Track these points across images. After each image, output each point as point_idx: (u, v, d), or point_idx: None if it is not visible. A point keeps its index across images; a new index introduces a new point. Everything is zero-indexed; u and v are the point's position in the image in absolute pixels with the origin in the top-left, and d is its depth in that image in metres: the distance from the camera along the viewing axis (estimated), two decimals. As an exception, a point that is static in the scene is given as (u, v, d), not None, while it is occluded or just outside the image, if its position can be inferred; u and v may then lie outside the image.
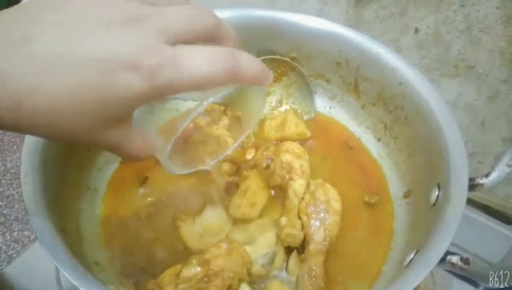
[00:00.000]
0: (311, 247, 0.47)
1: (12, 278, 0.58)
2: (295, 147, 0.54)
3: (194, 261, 0.42)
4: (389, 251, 0.48)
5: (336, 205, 0.49)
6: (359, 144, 0.60)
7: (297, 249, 0.48)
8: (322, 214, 0.48)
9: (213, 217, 0.50)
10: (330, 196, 0.49)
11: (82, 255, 0.42)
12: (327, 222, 0.48)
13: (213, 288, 0.41)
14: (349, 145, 0.59)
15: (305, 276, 0.45)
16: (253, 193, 0.50)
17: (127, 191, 0.54)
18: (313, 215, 0.48)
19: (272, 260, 0.47)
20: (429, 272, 0.37)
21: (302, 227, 0.48)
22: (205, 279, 0.42)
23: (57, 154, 0.46)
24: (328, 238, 0.47)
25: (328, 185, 0.51)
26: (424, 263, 0.37)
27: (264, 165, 0.54)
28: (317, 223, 0.48)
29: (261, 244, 0.46)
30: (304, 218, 0.48)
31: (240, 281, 0.44)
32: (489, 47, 0.60)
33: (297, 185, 0.50)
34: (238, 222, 0.49)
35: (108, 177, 0.55)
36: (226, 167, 0.55)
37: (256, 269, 0.45)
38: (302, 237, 0.47)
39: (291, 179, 0.51)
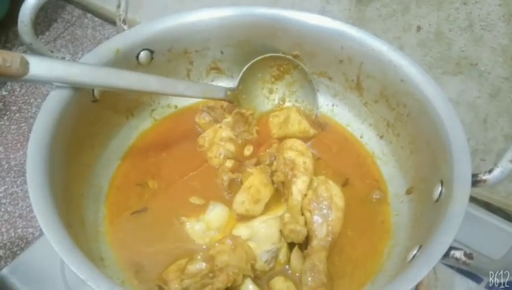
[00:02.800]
0: (314, 243, 0.47)
1: (16, 275, 0.59)
2: (298, 144, 0.54)
3: (199, 257, 0.43)
4: (391, 247, 0.48)
5: (339, 201, 0.49)
6: (362, 141, 0.60)
7: (299, 245, 0.48)
8: (324, 211, 0.49)
9: (216, 214, 0.50)
10: (333, 193, 0.50)
11: (87, 251, 0.42)
12: (330, 218, 0.48)
13: (218, 283, 0.41)
14: (352, 143, 0.60)
15: (308, 272, 0.45)
16: (257, 189, 0.50)
17: (130, 187, 0.54)
18: (316, 212, 0.48)
19: (275, 256, 0.47)
20: (432, 267, 0.37)
21: (305, 223, 0.48)
22: (210, 275, 0.42)
23: (62, 151, 0.47)
24: (330, 234, 0.47)
25: (330, 182, 0.51)
26: (427, 258, 0.38)
27: (268, 162, 0.54)
28: (320, 219, 0.48)
29: (264, 241, 0.47)
30: (307, 214, 0.49)
31: (244, 276, 0.44)
32: (492, 44, 0.60)
33: (300, 182, 0.50)
34: (242, 218, 0.49)
35: (112, 174, 0.55)
36: (229, 164, 0.55)
37: (259, 264, 0.46)
38: (306, 233, 0.47)
39: (294, 176, 0.51)
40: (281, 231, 0.48)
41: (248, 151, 0.58)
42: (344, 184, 0.55)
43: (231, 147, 0.56)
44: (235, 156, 0.56)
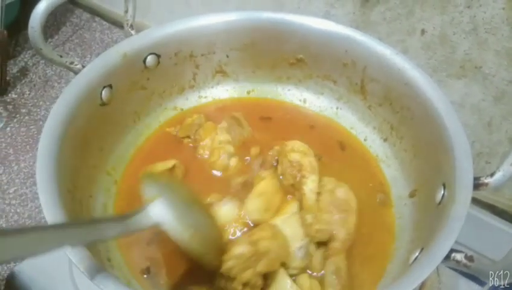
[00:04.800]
0: (335, 245, 0.47)
1: (26, 275, 0.60)
2: (299, 145, 0.54)
3: (243, 239, 0.44)
4: (394, 250, 0.49)
5: (353, 204, 0.50)
6: (366, 143, 0.60)
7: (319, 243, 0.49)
8: (343, 213, 0.49)
9: (226, 211, 0.50)
10: (349, 196, 0.50)
11: (95, 252, 0.43)
12: (348, 220, 0.49)
13: (259, 267, 0.43)
14: (354, 145, 0.60)
15: (334, 274, 0.46)
16: (268, 198, 0.50)
17: (137, 189, 0.55)
18: (335, 214, 0.49)
19: (307, 251, 0.47)
20: (434, 269, 0.37)
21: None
22: (253, 258, 0.43)
23: (71, 153, 0.48)
24: (348, 236, 0.48)
25: (346, 185, 0.51)
26: (428, 260, 0.38)
27: (273, 162, 0.55)
28: (340, 221, 0.48)
29: (293, 239, 0.47)
30: (325, 215, 0.48)
31: (281, 264, 0.45)
32: (496, 48, 0.60)
33: (310, 181, 0.51)
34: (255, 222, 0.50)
35: (119, 176, 0.56)
36: (234, 162, 0.56)
37: (297, 262, 0.46)
38: (331, 231, 0.48)
39: (303, 176, 0.51)
40: (306, 233, 0.48)
41: (255, 151, 0.58)
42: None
43: (231, 148, 0.57)
44: (236, 155, 0.57)
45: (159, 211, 0.40)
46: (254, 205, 0.50)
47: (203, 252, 0.42)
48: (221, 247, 0.44)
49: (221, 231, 0.48)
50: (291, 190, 0.52)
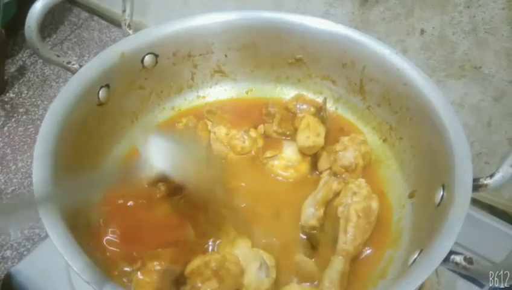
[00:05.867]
0: (346, 247, 0.46)
1: (23, 276, 0.60)
2: (363, 145, 0.55)
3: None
4: (393, 251, 0.48)
5: (375, 219, 0.49)
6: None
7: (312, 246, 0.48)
8: (367, 225, 0.48)
9: (292, 150, 0.56)
10: (377, 211, 0.49)
11: (92, 253, 0.42)
12: (367, 233, 0.48)
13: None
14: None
15: (340, 279, 0.45)
16: (314, 125, 0.56)
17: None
18: (362, 221, 0.48)
19: (266, 265, 0.45)
20: (433, 271, 0.37)
21: (343, 227, 0.48)
22: (209, 272, 0.42)
23: (68, 153, 0.48)
24: (360, 247, 0.47)
25: (376, 197, 0.51)
26: (427, 262, 0.38)
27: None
28: (361, 228, 0.48)
29: (246, 262, 0.45)
30: (353, 218, 0.48)
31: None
32: (495, 48, 0.60)
33: (347, 188, 0.51)
34: (309, 150, 0.55)
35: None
36: (253, 134, 0.58)
37: (267, 282, 0.44)
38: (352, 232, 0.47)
39: (346, 181, 0.52)
40: (301, 226, 0.49)
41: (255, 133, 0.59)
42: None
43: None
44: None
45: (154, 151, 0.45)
46: (303, 135, 0.55)
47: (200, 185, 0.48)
48: (222, 179, 0.53)
49: (222, 166, 0.55)
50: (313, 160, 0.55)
